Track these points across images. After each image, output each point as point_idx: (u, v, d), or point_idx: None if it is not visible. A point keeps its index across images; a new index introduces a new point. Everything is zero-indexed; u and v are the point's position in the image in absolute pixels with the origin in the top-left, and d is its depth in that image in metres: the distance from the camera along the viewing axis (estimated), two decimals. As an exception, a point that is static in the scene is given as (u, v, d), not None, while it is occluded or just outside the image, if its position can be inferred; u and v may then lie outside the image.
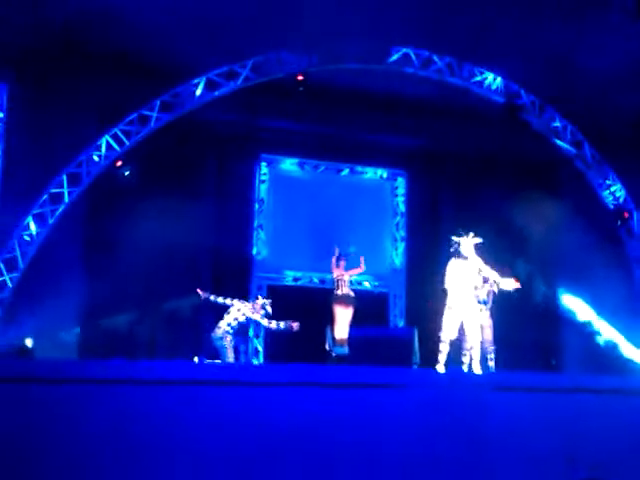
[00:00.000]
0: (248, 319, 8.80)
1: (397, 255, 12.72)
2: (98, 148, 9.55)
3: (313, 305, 11.05)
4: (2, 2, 8.85)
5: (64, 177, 9.45)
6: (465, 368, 7.61)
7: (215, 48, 9.71)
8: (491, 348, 8.54)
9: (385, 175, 12.96)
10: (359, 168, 12.81)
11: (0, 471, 4.85)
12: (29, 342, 9.02)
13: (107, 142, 9.56)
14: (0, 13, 9.03)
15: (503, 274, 8.03)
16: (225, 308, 8.85)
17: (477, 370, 7.58)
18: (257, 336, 11.41)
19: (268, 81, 9.77)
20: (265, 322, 8.85)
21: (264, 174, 12.39)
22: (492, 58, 9.97)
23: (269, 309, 8.95)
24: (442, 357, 7.59)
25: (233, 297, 8.96)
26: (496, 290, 8.02)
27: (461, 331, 7.73)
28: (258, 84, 9.81)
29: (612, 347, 10.72)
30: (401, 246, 12.75)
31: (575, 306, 11.34)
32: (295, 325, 8.78)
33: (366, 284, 12.26)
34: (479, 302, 7.94)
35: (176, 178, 10.75)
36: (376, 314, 11.91)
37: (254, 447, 5.21)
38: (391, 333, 9.63)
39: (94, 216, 10.47)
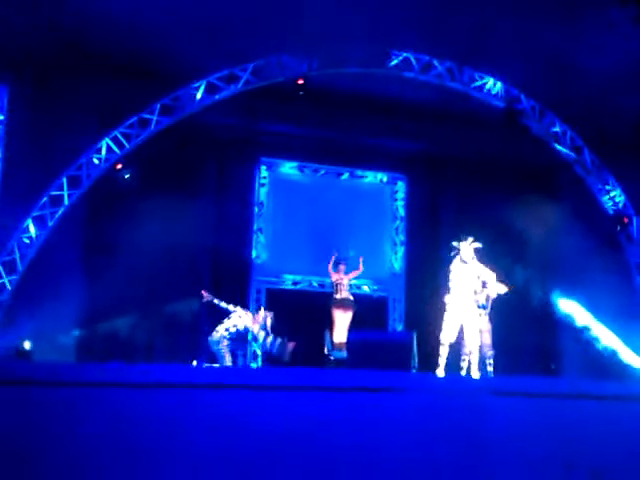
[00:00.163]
0: (246, 328, 8.78)
1: (396, 259, 12.73)
2: (98, 151, 9.56)
3: (312, 309, 11.06)
4: (2, 6, 8.85)
5: (64, 180, 9.46)
6: (464, 373, 7.61)
7: (216, 52, 9.73)
8: (490, 353, 8.53)
9: (385, 179, 12.98)
10: (359, 172, 12.82)
11: (-2, 474, 4.84)
12: (27, 344, 9.02)
13: (107, 145, 9.57)
14: (1, 17, 9.04)
15: (498, 279, 8.03)
16: (226, 313, 8.84)
17: (476, 375, 7.58)
18: (255, 340, 11.39)
19: (268, 85, 9.79)
20: (262, 335, 8.82)
21: (264, 177, 12.40)
22: (492, 61, 9.98)
23: (268, 324, 8.91)
24: (441, 361, 7.59)
25: (235, 303, 8.95)
26: (492, 295, 8.01)
27: (460, 335, 7.73)
28: (258, 88, 9.82)
29: (611, 352, 10.72)
30: (400, 250, 12.75)
31: (574, 311, 11.34)
32: (291, 345, 8.76)
33: (365, 288, 12.26)
34: (478, 306, 7.93)
35: (176, 181, 10.75)
36: (375, 318, 11.91)
37: (252, 451, 5.19)
38: (390, 337, 9.61)
39: (94, 219, 10.47)
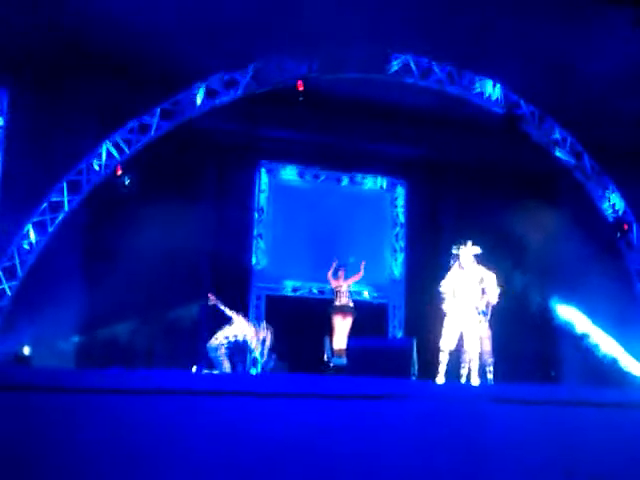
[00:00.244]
0: (245, 340, 8.77)
1: (396, 265, 12.72)
2: (98, 156, 9.56)
3: (312, 315, 11.06)
4: (3, 9, 8.87)
5: (64, 185, 9.45)
6: (464, 380, 7.60)
7: (215, 55, 9.74)
8: (490, 360, 8.51)
9: (385, 185, 12.98)
10: (359, 177, 12.83)
11: (-4, 481, 4.83)
12: (27, 350, 9.01)
13: (107, 150, 9.57)
14: (1, 21, 9.06)
15: (497, 282, 8.02)
16: (227, 319, 8.82)
17: (476, 382, 7.57)
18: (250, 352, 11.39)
19: (268, 90, 9.80)
20: (258, 351, 8.80)
21: (264, 183, 12.40)
22: (491, 66, 9.99)
23: (267, 341, 8.89)
24: (441, 368, 7.58)
25: (235, 309, 8.93)
26: (492, 301, 8.00)
27: (460, 342, 7.72)
28: (258, 93, 9.83)
29: (611, 360, 10.70)
30: (400, 256, 12.74)
31: (574, 318, 11.33)
32: (284, 366, 8.78)
33: (365, 295, 12.24)
34: (478, 313, 7.92)
35: (176, 187, 10.76)
36: (375, 325, 11.90)
37: (252, 458, 5.18)
38: (390, 344, 9.59)
39: (94, 224, 10.46)
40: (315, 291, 12.13)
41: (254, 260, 12.00)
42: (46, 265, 9.43)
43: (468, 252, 7.94)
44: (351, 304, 10.36)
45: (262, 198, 12.34)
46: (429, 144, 12.05)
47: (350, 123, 11.49)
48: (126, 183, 9.78)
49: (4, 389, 5.13)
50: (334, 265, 10.38)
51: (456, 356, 7.76)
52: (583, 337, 11.18)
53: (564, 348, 11.75)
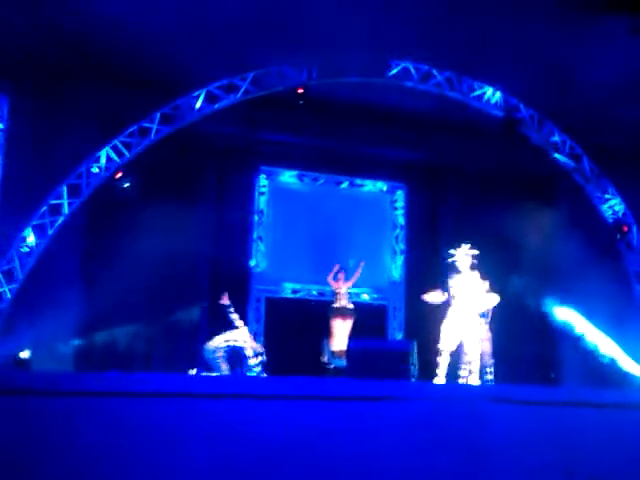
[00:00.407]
0: (243, 348, 8.80)
1: (396, 268, 12.73)
2: (98, 160, 9.57)
3: (312, 317, 11.06)
4: (3, 13, 8.89)
5: (64, 188, 9.46)
6: (464, 381, 7.60)
7: (216, 61, 9.76)
8: (490, 361, 8.53)
9: (384, 188, 12.99)
10: (358, 181, 12.84)
11: (-5, 484, 4.82)
12: (26, 354, 9.00)
13: (107, 154, 9.58)
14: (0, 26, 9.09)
15: (491, 288, 8.04)
16: (229, 324, 8.83)
17: (476, 383, 7.57)
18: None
19: (268, 94, 9.82)
20: (251, 360, 8.83)
21: (263, 186, 12.41)
22: (491, 71, 10.02)
23: (260, 358, 8.93)
24: (441, 369, 7.59)
25: (235, 312, 8.96)
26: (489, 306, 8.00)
27: (460, 344, 7.73)
28: (258, 97, 9.85)
29: (610, 361, 10.70)
30: (400, 259, 12.75)
31: (574, 319, 11.32)
32: None
33: (365, 297, 12.25)
34: (479, 315, 7.93)
35: (176, 190, 10.76)
36: (375, 327, 11.90)
37: (251, 460, 5.18)
38: (390, 346, 9.57)
39: (93, 228, 10.47)
40: (315, 293, 12.13)
41: (253, 262, 12.01)
42: (46, 268, 9.43)
43: (464, 255, 7.96)
44: (351, 306, 10.37)
45: (262, 201, 12.35)
46: (428, 147, 12.07)
47: (350, 127, 11.51)
48: (126, 186, 9.79)
49: (3, 393, 5.12)
50: (335, 269, 10.41)
51: (456, 358, 7.77)
52: (583, 338, 11.18)
53: (564, 350, 11.75)
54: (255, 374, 8.87)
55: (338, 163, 12.36)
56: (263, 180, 12.42)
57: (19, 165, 9.98)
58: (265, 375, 8.77)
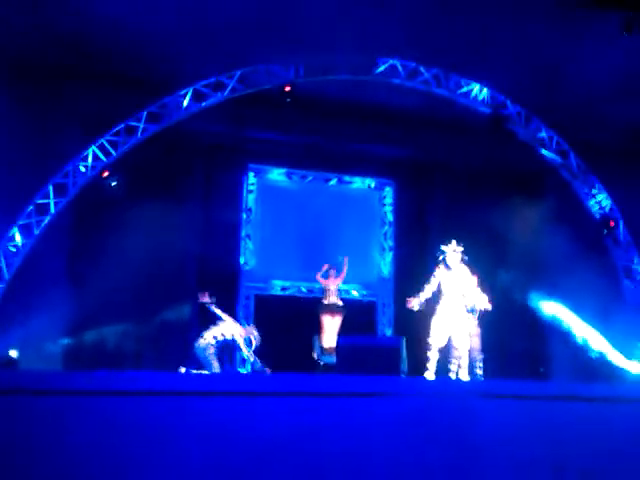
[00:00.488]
0: (233, 339, 8.76)
1: (385, 264, 12.75)
2: (84, 159, 9.52)
3: (301, 314, 11.07)
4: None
5: (50, 188, 9.40)
6: (453, 376, 7.63)
7: (203, 59, 9.72)
8: (479, 356, 8.56)
9: (373, 185, 13.01)
10: (347, 178, 12.85)
11: (-16, 484, 4.78)
12: (14, 353, 8.94)
13: (94, 153, 9.53)
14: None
15: (482, 285, 8.07)
16: (214, 319, 8.81)
17: (465, 378, 7.60)
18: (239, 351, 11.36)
19: (255, 92, 9.80)
20: (245, 351, 8.80)
21: (252, 184, 12.39)
22: (478, 68, 10.04)
23: (253, 341, 8.90)
24: (431, 365, 7.61)
25: (224, 310, 8.92)
26: (480, 306, 8.02)
27: (449, 339, 7.75)
28: (245, 95, 9.82)
29: (599, 355, 10.77)
30: (389, 255, 12.78)
31: (562, 314, 11.39)
32: (268, 371, 8.77)
33: (354, 293, 12.27)
34: (467, 311, 7.96)
35: (163, 189, 10.72)
36: (364, 323, 11.92)
37: (243, 457, 5.17)
38: (379, 342, 9.61)
39: (80, 227, 10.42)
40: (304, 290, 12.13)
41: (242, 260, 11.99)
42: (32, 268, 9.37)
43: (454, 251, 7.99)
44: (340, 303, 10.40)
45: (250, 199, 12.32)
46: (416, 144, 12.10)
47: (338, 124, 11.51)
48: (113, 185, 9.74)
49: (-9, 392, 5.09)
50: (324, 268, 10.44)
51: (445, 353, 7.79)
52: (571, 333, 11.25)
53: (553, 345, 11.83)
54: (251, 363, 8.83)
55: (326, 160, 12.37)
56: (251, 178, 12.40)
57: (4, 164, 9.89)
58: (260, 363, 8.72)
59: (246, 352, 8.80)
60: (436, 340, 7.66)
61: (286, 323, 11.05)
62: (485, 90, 10.33)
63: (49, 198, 9.38)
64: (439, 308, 7.83)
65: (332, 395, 5.54)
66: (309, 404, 5.47)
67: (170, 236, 10.18)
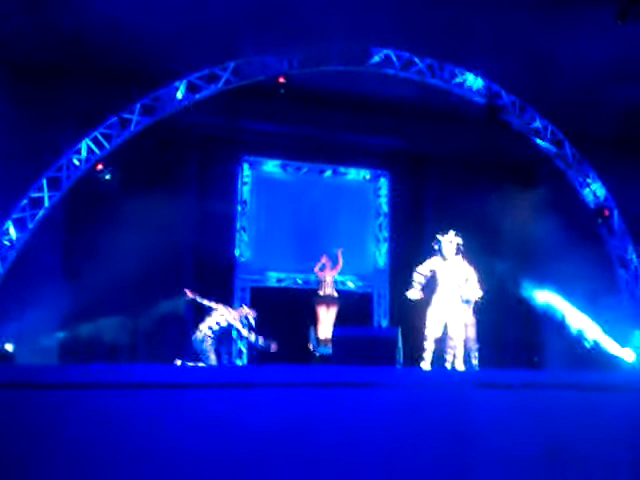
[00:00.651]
0: (230, 325, 8.77)
1: (380, 255, 12.76)
2: (78, 152, 9.48)
3: (297, 306, 11.09)
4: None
5: (44, 181, 9.37)
6: (449, 366, 7.66)
7: (196, 51, 9.68)
8: (475, 347, 8.59)
9: (368, 176, 13.00)
10: (342, 169, 12.84)
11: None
12: (9, 347, 8.94)
13: (87, 146, 9.49)
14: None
15: (477, 275, 8.08)
16: (208, 310, 8.83)
17: (461, 368, 7.63)
18: (241, 338, 11.39)
19: (249, 83, 9.77)
20: (245, 332, 8.82)
21: (247, 176, 12.37)
22: (472, 58, 10.03)
23: (252, 321, 8.92)
24: (427, 355, 7.63)
25: (217, 301, 8.93)
26: (473, 298, 8.04)
27: (445, 330, 7.78)
28: (239, 87, 9.79)
29: (594, 344, 10.82)
30: (384, 246, 12.78)
31: (556, 303, 11.43)
32: (274, 346, 8.77)
33: (350, 284, 12.28)
34: (462, 301, 7.98)
35: (158, 181, 10.70)
36: (360, 314, 11.94)
37: (238, 449, 5.18)
38: (375, 333, 9.64)
39: (75, 220, 10.41)
40: (300, 282, 12.14)
41: (238, 252, 11.99)
42: (27, 261, 9.36)
43: (450, 241, 8.00)
44: (335, 294, 10.42)
45: (245, 191, 12.31)
46: (411, 135, 12.09)
47: (332, 115, 11.49)
48: (107, 178, 9.71)
49: (-13, 386, 5.09)
50: (322, 260, 10.47)
51: (441, 343, 7.81)
52: (565, 323, 11.29)
53: (547, 333, 11.88)
54: (254, 343, 8.84)
55: (321, 151, 12.35)
56: (246, 170, 12.38)
57: (-1, 158, 9.86)
58: (263, 339, 8.72)
59: (246, 333, 8.81)
60: (432, 331, 7.69)
61: (282, 315, 11.06)
62: (479, 80, 10.32)
63: (43, 192, 9.35)
64: (435, 298, 7.85)
65: (328, 386, 5.56)
66: (305, 395, 5.48)
67: (165, 229, 10.16)
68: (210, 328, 8.59)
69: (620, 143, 11.88)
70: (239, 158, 12.24)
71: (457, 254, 7.98)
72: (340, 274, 10.93)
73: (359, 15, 9.14)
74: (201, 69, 9.69)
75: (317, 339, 10.04)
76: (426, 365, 7.56)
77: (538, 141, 10.67)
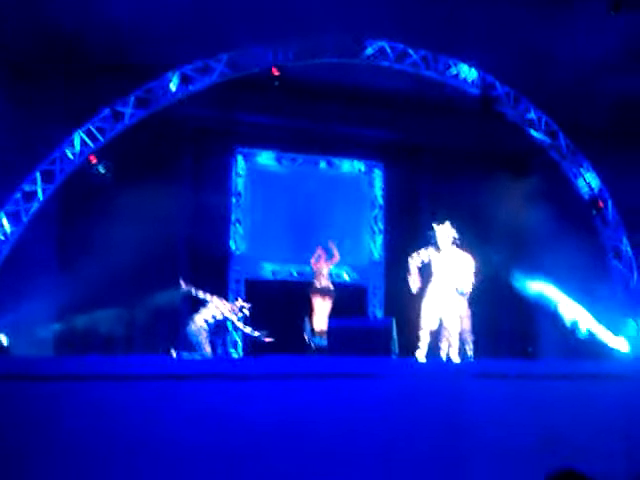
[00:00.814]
0: (225, 317, 8.79)
1: (375, 247, 12.77)
2: (71, 145, 9.45)
3: (292, 298, 11.09)
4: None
5: (37, 174, 9.33)
6: (444, 357, 7.69)
7: (189, 43, 9.63)
8: (470, 338, 8.62)
9: (363, 168, 12.98)
10: (336, 161, 12.82)
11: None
12: (5, 339, 8.92)
13: (81, 139, 9.46)
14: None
15: (474, 269, 8.11)
16: (203, 302, 8.84)
17: (456, 359, 7.66)
18: (236, 329, 11.39)
19: (243, 75, 9.74)
20: (240, 325, 8.85)
21: (241, 168, 12.35)
22: (466, 49, 10.01)
23: (247, 312, 8.94)
24: (422, 346, 7.66)
25: (212, 293, 8.94)
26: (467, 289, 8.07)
27: (440, 321, 7.80)
28: (234, 79, 9.76)
29: (588, 334, 10.87)
30: (379, 238, 12.79)
31: (550, 294, 11.47)
32: (267, 338, 8.80)
33: (345, 276, 12.29)
34: (457, 292, 8.00)
35: (152, 174, 10.64)
36: (355, 306, 11.95)
37: (234, 439, 5.21)
38: (370, 324, 9.67)
39: (69, 213, 10.37)
40: (295, 274, 12.14)
41: (232, 245, 11.98)
42: (22, 254, 9.33)
43: (445, 233, 8.02)
44: (331, 286, 10.44)
45: (239, 183, 12.28)
46: (405, 126, 12.06)
47: (327, 107, 11.45)
48: (101, 171, 9.67)
49: (-17, 379, 5.09)
50: (318, 252, 10.48)
51: (436, 335, 7.84)
52: (559, 313, 11.34)
53: (541, 323, 11.93)
54: (249, 335, 8.88)
55: (315, 143, 12.31)
56: (240, 162, 12.35)
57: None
58: (258, 332, 8.76)
59: (241, 326, 8.83)
60: (427, 322, 7.71)
61: (277, 307, 11.07)
62: (474, 71, 10.31)
63: (37, 185, 9.31)
64: (429, 290, 7.88)
65: (323, 376, 5.58)
66: (301, 385, 5.51)
67: (159, 221, 10.14)
68: (206, 321, 8.61)
69: (614, 134, 11.89)
70: (233, 150, 12.20)
71: (452, 245, 8.00)
72: (335, 266, 10.94)
73: (353, 7, 9.11)
74: (195, 61, 9.65)
75: (312, 331, 10.06)
76: (421, 356, 7.59)
77: (532, 132, 10.68)
